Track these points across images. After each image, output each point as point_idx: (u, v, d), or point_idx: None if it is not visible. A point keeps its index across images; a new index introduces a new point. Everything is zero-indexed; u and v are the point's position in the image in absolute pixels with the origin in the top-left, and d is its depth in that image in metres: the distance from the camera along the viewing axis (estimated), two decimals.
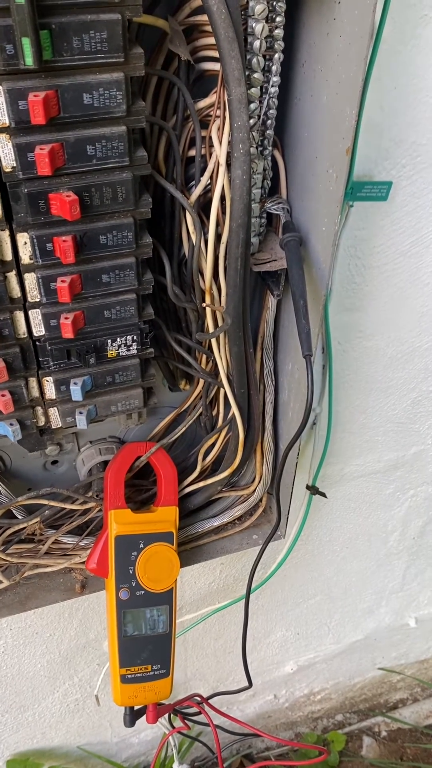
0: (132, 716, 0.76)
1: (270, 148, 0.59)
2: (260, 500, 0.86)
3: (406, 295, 0.86)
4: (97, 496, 0.77)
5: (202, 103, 0.55)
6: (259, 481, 0.82)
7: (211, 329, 0.64)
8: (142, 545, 0.72)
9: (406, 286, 0.85)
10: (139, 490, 0.79)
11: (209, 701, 0.88)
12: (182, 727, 1.06)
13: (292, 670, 1.48)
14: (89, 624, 1.08)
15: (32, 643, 1.07)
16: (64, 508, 0.77)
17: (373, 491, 1.15)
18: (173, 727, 1.09)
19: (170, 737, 1.28)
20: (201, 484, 0.80)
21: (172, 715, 1.03)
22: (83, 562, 0.77)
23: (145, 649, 0.74)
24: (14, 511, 0.77)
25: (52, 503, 0.77)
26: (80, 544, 0.79)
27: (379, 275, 0.82)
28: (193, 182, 0.58)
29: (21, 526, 0.76)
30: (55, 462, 0.81)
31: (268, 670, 1.46)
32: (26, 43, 0.41)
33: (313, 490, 0.98)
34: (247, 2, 0.50)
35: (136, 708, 0.76)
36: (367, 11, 0.46)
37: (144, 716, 0.77)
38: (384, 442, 1.06)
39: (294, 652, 1.45)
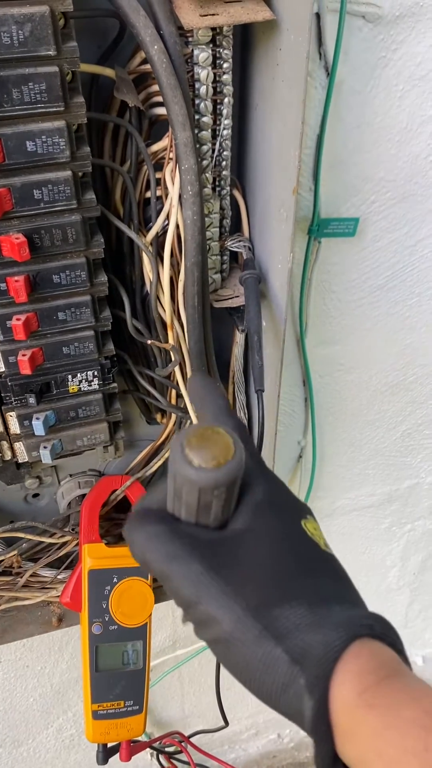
0: (105, 754, 0.75)
1: (227, 188, 0.60)
2: None
3: (387, 328, 0.86)
4: (73, 530, 0.78)
5: (156, 146, 0.56)
6: None
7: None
8: (115, 579, 0.72)
9: (385, 319, 0.85)
10: (118, 524, 0.80)
11: (191, 740, 0.86)
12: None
13: None
14: (80, 657, 1.07)
15: (23, 676, 1.07)
16: (42, 542, 0.78)
17: (368, 525, 1.13)
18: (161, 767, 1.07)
19: None
20: None
21: (159, 755, 1.01)
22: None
23: (118, 685, 0.74)
24: None
25: (30, 536, 0.77)
26: (58, 577, 0.79)
27: (356, 308, 0.82)
28: (152, 222, 0.59)
29: None
30: (36, 495, 0.82)
31: (268, 708, 1.43)
32: None
33: None
34: (192, 50, 0.51)
35: (109, 745, 0.75)
36: (301, 57, 0.47)
37: (118, 754, 0.76)
38: (375, 476, 1.05)
39: None
